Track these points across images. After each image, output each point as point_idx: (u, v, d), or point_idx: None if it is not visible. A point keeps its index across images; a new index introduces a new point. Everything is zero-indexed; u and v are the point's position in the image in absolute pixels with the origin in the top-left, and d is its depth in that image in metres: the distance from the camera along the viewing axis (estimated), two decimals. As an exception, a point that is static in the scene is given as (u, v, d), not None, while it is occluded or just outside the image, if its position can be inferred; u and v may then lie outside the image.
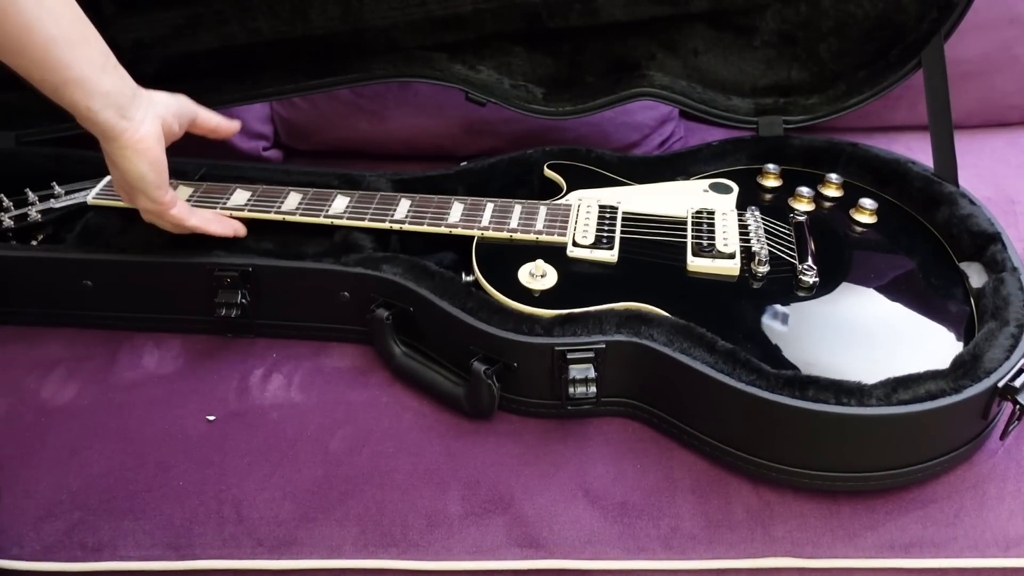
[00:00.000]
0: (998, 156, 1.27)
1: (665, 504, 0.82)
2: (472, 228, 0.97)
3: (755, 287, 0.90)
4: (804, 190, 1.02)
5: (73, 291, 0.98)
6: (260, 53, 1.12)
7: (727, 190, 1.04)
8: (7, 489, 0.85)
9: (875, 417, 0.75)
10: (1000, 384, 0.78)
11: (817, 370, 0.80)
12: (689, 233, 0.96)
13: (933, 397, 0.76)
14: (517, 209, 0.99)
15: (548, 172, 1.09)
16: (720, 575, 0.80)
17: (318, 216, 0.99)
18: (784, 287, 0.90)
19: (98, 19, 1.04)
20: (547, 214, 0.99)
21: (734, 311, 0.88)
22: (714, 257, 0.92)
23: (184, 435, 0.89)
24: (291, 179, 1.14)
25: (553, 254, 0.93)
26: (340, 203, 1.01)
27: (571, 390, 0.82)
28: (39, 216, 1.03)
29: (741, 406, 0.79)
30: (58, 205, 1.05)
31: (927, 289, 0.91)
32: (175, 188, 1.05)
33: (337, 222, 0.99)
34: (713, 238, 0.94)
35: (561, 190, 1.05)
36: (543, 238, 0.96)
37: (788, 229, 0.98)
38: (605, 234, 0.96)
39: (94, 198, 1.04)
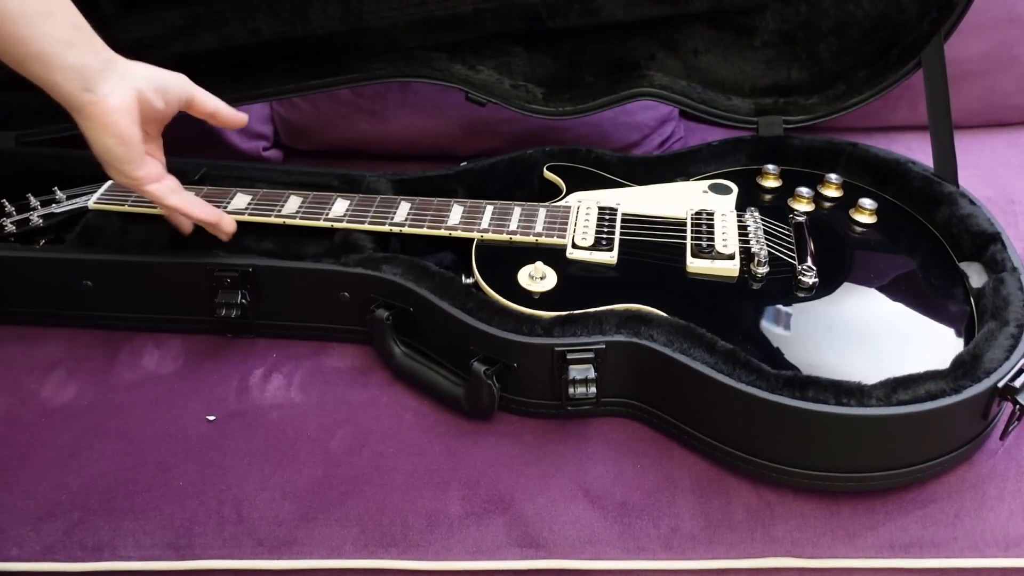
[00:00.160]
0: (998, 156, 1.27)
1: (665, 504, 0.82)
2: (472, 230, 0.97)
3: (755, 288, 0.90)
4: (804, 190, 1.02)
5: (73, 291, 0.98)
6: (260, 53, 1.12)
7: (726, 191, 1.04)
8: (7, 489, 0.85)
9: (875, 417, 0.75)
10: (1000, 384, 0.78)
11: (817, 370, 0.80)
12: (688, 234, 0.96)
13: (933, 397, 0.76)
14: (516, 211, 0.99)
15: (548, 174, 1.09)
16: (720, 575, 0.80)
17: (318, 219, 1.00)
18: (784, 288, 0.90)
19: (98, 19, 1.04)
20: (546, 216, 0.99)
21: (734, 312, 0.88)
22: (713, 258, 0.92)
23: (184, 435, 0.89)
24: (291, 179, 1.14)
25: (553, 256, 0.93)
26: (340, 206, 1.01)
27: (571, 390, 0.82)
28: (40, 221, 1.03)
29: (741, 406, 0.79)
30: (60, 210, 1.05)
31: (927, 289, 0.91)
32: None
33: (337, 225, 0.99)
34: (712, 239, 0.94)
35: (561, 192, 1.05)
36: (543, 240, 0.96)
37: (788, 230, 0.98)
38: (604, 236, 0.96)
39: (95, 203, 1.04)
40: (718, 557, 0.80)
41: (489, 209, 1.00)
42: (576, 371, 0.82)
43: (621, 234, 0.96)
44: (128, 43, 1.11)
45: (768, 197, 1.05)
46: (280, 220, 1.00)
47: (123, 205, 1.03)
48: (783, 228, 0.98)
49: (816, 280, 0.90)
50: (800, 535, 0.80)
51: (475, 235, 0.96)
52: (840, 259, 0.94)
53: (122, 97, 0.81)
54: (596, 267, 0.93)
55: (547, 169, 1.09)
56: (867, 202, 1.00)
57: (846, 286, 0.90)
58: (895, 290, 0.90)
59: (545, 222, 0.98)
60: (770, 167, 1.06)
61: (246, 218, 1.01)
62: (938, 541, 0.79)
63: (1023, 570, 0.79)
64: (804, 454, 0.80)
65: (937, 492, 0.82)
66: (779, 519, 0.81)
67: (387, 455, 0.87)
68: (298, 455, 0.87)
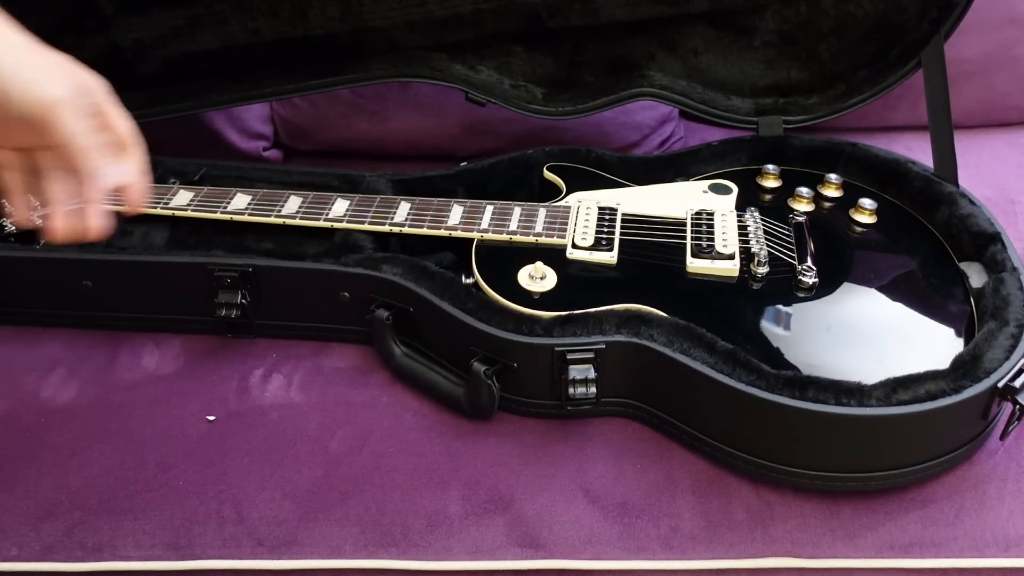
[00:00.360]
0: (998, 156, 1.27)
1: (665, 504, 0.82)
2: (472, 230, 0.97)
3: (755, 288, 0.90)
4: (804, 190, 1.02)
5: (73, 291, 0.98)
6: (260, 53, 1.12)
7: (726, 191, 1.04)
8: (7, 489, 0.85)
9: (875, 417, 0.75)
10: (1000, 384, 0.78)
11: (817, 370, 0.80)
12: (688, 234, 0.96)
13: (933, 397, 0.76)
14: (516, 211, 0.99)
15: (548, 174, 1.09)
16: (720, 575, 0.80)
17: (318, 220, 1.00)
18: (784, 288, 0.90)
19: (98, 19, 1.04)
20: (546, 216, 0.99)
21: (734, 312, 0.88)
22: (713, 258, 0.92)
23: (184, 435, 0.89)
24: (291, 179, 1.14)
25: (553, 256, 0.93)
26: (340, 206, 1.01)
27: (571, 390, 0.82)
28: (40, 221, 1.03)
29: (741, 406, 0.79)
30: None
31: (927, 289, 0.91)
32: (175, 191, 1.05)
33: (337, 225, 0.99)
34: (712, 239, 0.94)
35: (561, 192, 1.05)
36: (543, 240, 0.96)
37: (787, 230, 0.98)
38: (604, 236, 0.96)
39: None
40: (718, 557, 0.80)
41: (489, 209, 1.00)
42: (576, 371, 0.82)
43: (621, 234, 0.96)
44: (128, 43, 1.11)
45: (768, 197, 1.05)
46: (280, 220, 1.00)
47: (123, 205, 1.03)
48: (783, 228, 0.98)
49: (816, 280, 0.90)
50: (800, 535, 0.80)
51: (475, 235, 0.96)
52: (840, 259, 0.94)
53: None
54: (596, 267, 0.93)
55: (547, 169, 1.09)
56: (867, 202, 1.00)
57: (846, 286, 0.90)
58: (895, 290, 0.90)
59: (545, 222, 0.98)
60: (770, 167, 1.06)
61: (246, 218, 1.01)
62: (938, 541, 0.79)
63: (1023, 570, 0.79)
64: (804, 454, 0.80)
65: (937, 492, 0.82)
66: (779, 519, 0.81)
67: (387, 455, 0.87)
68: (298, 455, 0.87)
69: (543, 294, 0.89)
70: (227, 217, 1.01)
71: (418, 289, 0.91)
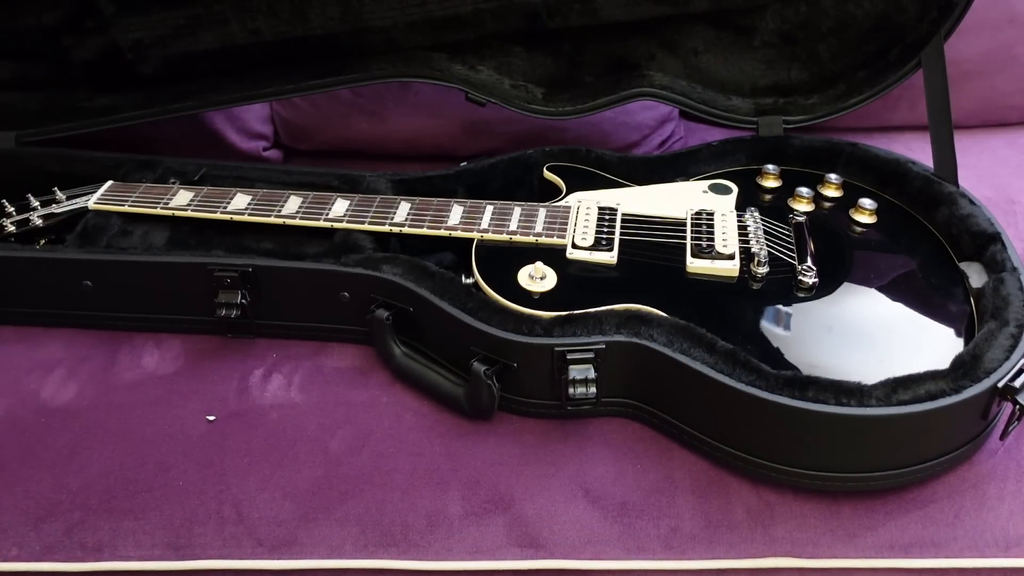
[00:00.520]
0: (998, 156, 1.27)
1: (665, 504, 0.82)
2: (472, 230, 0.97)
3: (754, 288, 0.90)
4: (803, 190, 1.02)
5: (73, 291, 0.98)
6: (260, 53, 1.12)
7: (726, 191, 1.04)
8: (7, 489, 0.85)
9: (875, 417, 0.75)
10: (1000, 384, 0.78)
11: (817, 370, 0.80)
12: (688, 234, 0.96)
13: (933, 397, 0.76)
14: (516, 211, 0.99)
15: (548, 174, 1.09)
16: (720, 575, 0.80)
17: (318, 220, 1.00)
18: (784, 288, 0.90)
19: (98, 19, 1.05)
20: (546, 216, 0.99)
21: (734, 312, 0.88)
22: (713, 258, 0.92)
23: (184, 435, 0.89)
24: (291, 179, 1.14)
25: (553, 256, 0.93)
26: (340, 206, 1.01)
27: (571, 390, 0.82)
28: (40, 221, 1.03)
29: (741, 406, 0.79)
30: (60, 210, 1.05)
31: (927, 289, 0.91)
32: (175, 191, 1.05)
33: (337, 225, 0.99)
34: (712, 239, 0.94)
35: (561, 192, 1.05)
36: (543, 240, 0.96)
37: (787, 230, 0.98)
38: (604, 236, 0.96)
39: (96, 203, 1.04)
40: (718, 557, 0.80)
41: (489, 209, 1.00)
42: (576, 371, 0.82)
43: (621, 234, 0.96)
44: (128, 43, 1.11)
45: (768, 197, 1.05)
46: (280, 220, 1.00)
47: (123, 205, 1.04)
48: (783, 228, 0.98)
49: (816, 280, 0.90)
50: (800, 535, 0.80)
51: (475, 235, 0.96)
52: (840, 259, 0.94)
53: None
54: (596, 267, 0.93)
55: (547, 169, 1.09)
56: (867, 202, 1.00)
57: (846, 286, 0.90)
58: (895, 290, 0.90)
59: (545, 222, 0.98)
60: (770, 167, 1.06)
61: (246, 218, 1.01)
62: (938, 541, 0.79)
63: (1023, 570, 0.79)
64: (804, 454, 0.80)
65: (937, 492, 0.82)
66: (779, 519, 0.81)
67: (387, 455, 0.87)
68: (298, 455, 0.87)
69: (543, 294, 0.89)
70: (227, 217, 1.01)
71: (418, 289, 0.91)
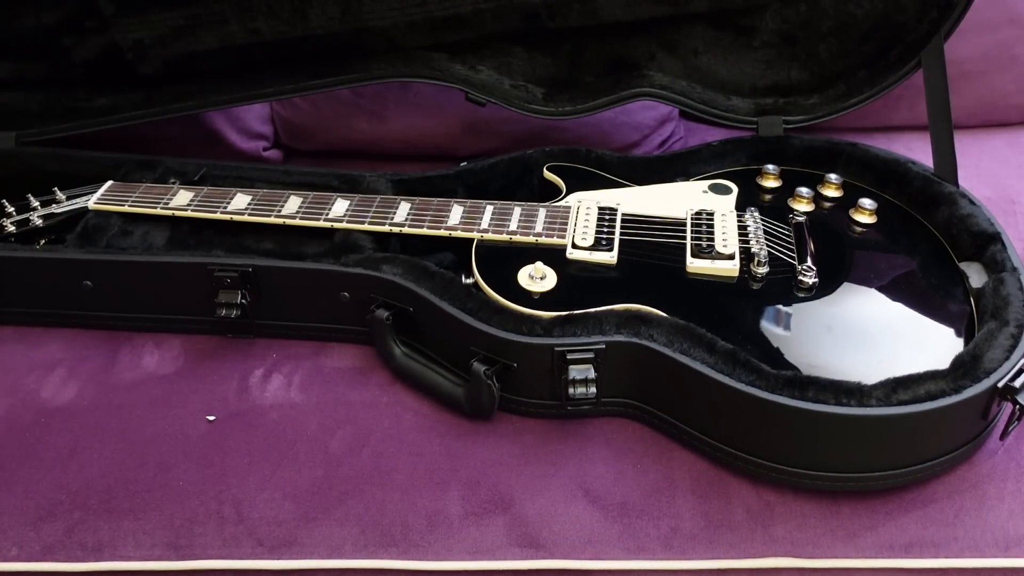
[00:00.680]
0: (998, 156, 1.27)
1: (665, 504, 0.82)
2: (472, 230, 0.97)
3: (754, 288, 0.90)
4: (803, 190, 1.02)
5: (73, 291, 0.98)
6: (260, 53, 1.12)
7: (726, 191, 1.04)
8: (7, 489, 0.85)
9: (875, 417, 0.75)
10: (1000, 384, 0.78)
11: (817, 370, 0.80)
12: (688, 234, 0.96)
13: (933, 397, 0.76)
14: (516, 211, 0.99)
15: (548, 174, 1.09)
16: (720, 575, 0.80)
17: (318, 220, 1.00)
18: (784, 288, 0.90)
19: (98, 19, 1.05)
20: (546, 216, 0.99)
21: (734, 312, 0.88)
22: (713, 258, 0.92)
23: (184, 435, 0.89)
24: (291, 179, 1.14)
25: (553, 256, 0.93)
26: (340, 206, 1.01)
27: (571, 390, 0.82)
28: (40, 221, 1.03)
29: (741, 406, 0.79)
30: (60, 210, 1.05)
31: (927, 289, 0.91)
32: (175, 191, 1.05)
33: (337, 225, 0.99)
34: (712, 239, 0.94)
35: (561, 192, 1.05)
36: (543, 240, 0.96)
37: (787, 230, 0.98)
38: (604, 236, 0.96)
39: (96, 203, 1.04)
40: (718, 557, 0.80)
41: (489, 209, 1.00)
42: (576, 371, 0.82)
43: (621, 234, 0.96)
44: (128, 43, 1.11)
45: (768, 197, 1.05)
46: (280, 220, 1.00)
47: (123, 205, 1.04)
48: (783, 228, 0.98)
49: (816, 280, 0.90)
50: (800, 535, 0.80)
51: (475, 235, 0.96)
52: (840, 259, 0.94)
53: None
54: (596, 267, 0.93)
55: (547, 169, 1.09)
56: (867, 202, 1.00)
57: (846, 286, 0.90)
58: (895, 290, 0.90)
59: (545, 222, 0.98)
60: (770, 167, 1.06)
61: (246, 218, 1.01)
62: (938, 541, 0.79)
63: (1023, 570, 0.79)
64: (804, 454, 0.80)
65: (937, 492, 0.82)
66: (779, 519, 0.81)
67: (387, 455, 0.87)
68: (298, 455, 0.87)
69: (543, 294, 0.89)
70: (227, 217, 1.01)
71: (418, 289, 0.91)
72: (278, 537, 0.82)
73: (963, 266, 0.94)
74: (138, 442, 0.89)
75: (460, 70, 1.14)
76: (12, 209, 1.04)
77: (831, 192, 1.04)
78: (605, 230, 0.97)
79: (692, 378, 0.81)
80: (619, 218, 0.99)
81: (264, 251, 1.00)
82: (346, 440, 0.88)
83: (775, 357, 0.82)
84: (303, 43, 1.11)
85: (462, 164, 1.14)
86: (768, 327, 0.86)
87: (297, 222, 1.00)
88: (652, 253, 0.95)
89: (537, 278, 0.90)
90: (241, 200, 1.03)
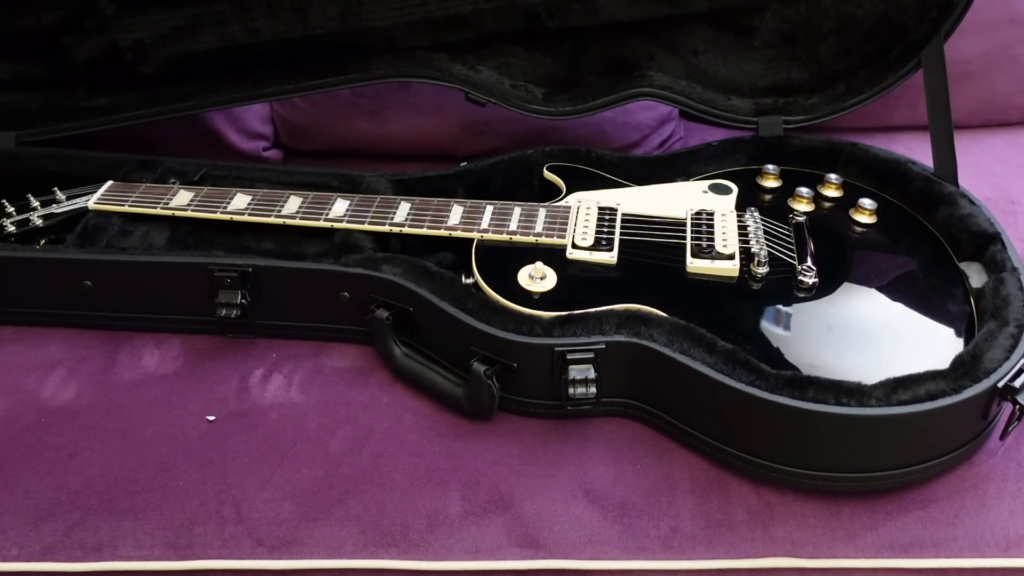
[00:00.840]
0: (998, 156, 1.27)
1: (665, 504, 0.82)
2: (472, 230, 0.97)
3: (754, 288, 0.90)
4: (803, 190, 1.02)
5: (73, 291, 0.98)
6: (260, 53, 1.12)
7: (726, 191, 1.04)
8: (7, 489, 0.85)
9: (875, 417, 0.75)
10: (1000, 384, 0.78)
11: (817, 370, 0.80)
12: (688, 234, 0.96)
13: (933, 397, 0.76)
14: (516, 211, 0.99)
15: (548, 174, 1.09)
16: (720, 575, 0.80)
17: (318, 220, 1.00)
18: (784, 288, 0.90)
19: (98, 19, 1.04)
20: (546, 216, 0.99)
21: (734, 312, 0.88)
22: (713, 258, 0.92)
23: (184, 435, 0.89)
24: (291, 179, 1.14)
25: (553, 256, 0.93)
26: (340, 206, 1.01)
27: (571, 390, 0.82)
28: (40, 221, 1.03)
29: (741, 406, 0.79)
30: (60, 210, 1.05)
31: (927, 289, 0.91)
32: (175, 191, 1.05)
33: (337, 225, 0.99)
34: (712, 239, 0.94)
35: (561, 192, 1.05)
36: (543, 240, 0.96)
37: (787, 230, 0.98)
38: (604, 236, 0.96)
39: (96, 203, 1.04)
40: (718, 557, 0.80)
41: (489, 209, 1.00)
42: (576, 371, 0.82)
43: (621, 234, 0.96)
44: (128, 43, 1.11)
45: (768, 197, 1.05)
46: (280, 220, 1.00)
47: (123, 205, 1.04)
48: (783, 228, 0.98)
49: (816, 280, 0.90)
50: (800, 535, 0.80)
51: (475, 235, 0.96)
52: (840, 259, 0.94)
53: None
54: (596, 267, 0.93)
55: (547, 169, 1.09)
56: (867, 202, 1.00)
57: (846, 286, 0.90)
58: (895, 290, 0.90)
59: (545, 222, 0.98)
60: (770, 167, 1.06)
61: (246, 218, 1.01)
62: (938, 541, 0.79)
63: (1023, 570, 0.79)
64: (804, 454, 0.80)
65: (937, 492, 0.82)
66: (779, 519, 0.81)
67: (387, 455, 0.87)
68: (298, 455, 0.87)
69: (543, 294, 0.89)
70: (227, 217, 1.01)
71: (418, 289, 0.91)
72: (278, 537, 0.82)
73: (963, 266, 0.94)
74: (138, 442, 0.89)
75: (460, 70, 1.14)
76: (12, 209, 1.04)
77: (831, 192, 1.04)
78: (605, 230, 0.97)
79: (692, 378, 0.81)
80: (619, 218, 0.99)
81: (264, 251, 1.00)
82: (346, 440, 0.88)
83: (775, 357, 0.82)
84: (303, 43, 1.11)
85: (462, 164, 1.14)
86: (768, 327, 0.86)
87: (297, 222, 1.00)
88: (652, 253, 0.95)
89: (537, 278, 0.90)
90: (241, 200, 1.03)
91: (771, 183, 1.06)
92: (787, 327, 0.86)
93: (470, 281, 0.92)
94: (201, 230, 1.04)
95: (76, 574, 0.81)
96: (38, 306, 1.01)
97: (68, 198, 1.06)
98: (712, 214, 0.98)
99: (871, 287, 0.90)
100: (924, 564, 0.79)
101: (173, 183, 1.09)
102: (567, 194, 1.05)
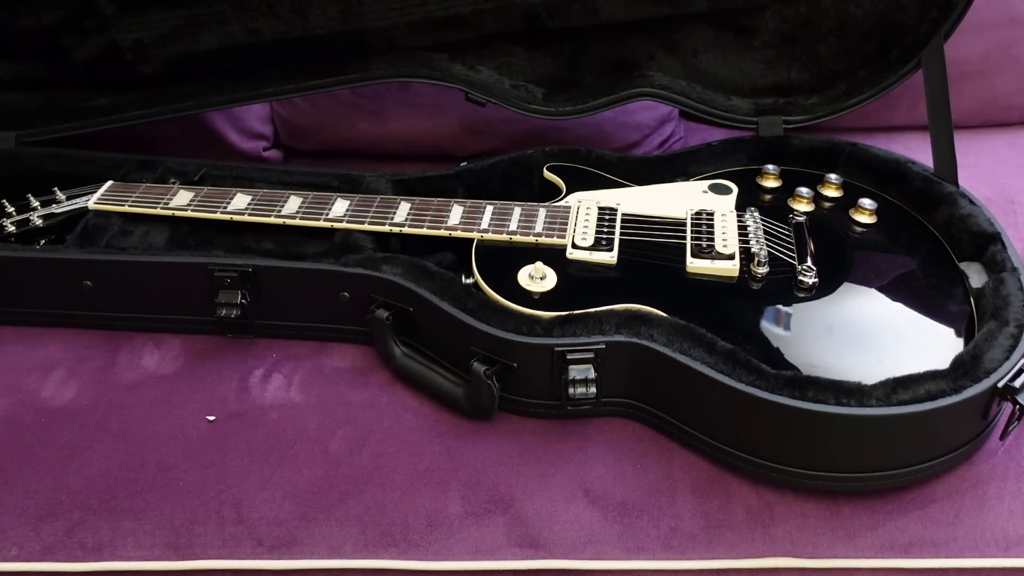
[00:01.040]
0: (998, 156, 1.27)
1: (665, 504, 0.82)
2: (472, 230, 0.97)
3: (754, 288, 0.90)
4: (803, 190, 1.02)
5: (73, 291, 0.98)
6: (260, 53, 1.12)
7: (726, 191, 1.04)
8: (7, 489, 0.85)
9: (875, 417, 0.75)
10: (1000, 384, 0.78)
11: (817, 370, 0.80)
12: (688, 234, 0.96)
13: (933, 397, 0.76)
14: (516, 211, 0.99)
15: (548, 174, 1.09)
16: (720, 575, 0.80)
17: (318, 220, 1.00)
18: (784, 288, 0.90)
19: (98, 19, 1.05)
20: (546, 216, 0.99)
21: (734, 312, 0.88)
22: (713, 258, 0.92)
23: (184, 435, 0.89)
24: (291, 179, 1.14)
25: (553, 256, 0.93)
26: (340, 206, 1.01)
27: (571, 390, 0.82)
28: (40, 221, 1.03)
29: (741, 406, 0.79)
30: (60, 210, 1.05)
31: (927, 289, 0.91)
32: (175, 191, 1.05)
33: (337, 225, 0.99)
34: (712, 239, 0.94)
35: (561, 192, 1.05)
36: (543, 240, 0.96)
37: (787, 230, 0.98)
38: (604, 236, 0.96)
39: (96, 203, 1.04)
40: (718, 557, 0.80)
41: (489, 209, 1.00)
42: (576, 371, 0.82)
43: (621, 234, 0.96)
44: (128, 43, 1.11)
45: (768, 197, 1.05)
46: (280, 220, 1.00)
47: (123, 205, 1.04)
48: (783, 228, 0.98)
49: (816, 280, 0.90)
50: (800, 535, 0.80)
51: (475, 235, 0.96)
52: (840, 259, 0.94)
53: None
54: (596, 267, 0.93)
55: (547, 169, 1.09)
56: (867, 202, 1.00)
57: (846, 286, 0.90)
58: (895, 290, 0.90)
59: (545, 222, 0.98)
60: (770, 167, 1.06)
61: (246, 218, 1.01)
62: (938, 541, 0.79)
63: (1023, 570, 0.79)
64: (804, 454, 0.80)
65: (937, 492, 0.82)
66: (779, 519, 0.81)
67: (387, 455, 0.87)
68: (298, 455, 0.87)
69: (543, 294, 0.89)
70: (227, 217, 1.01)
71: (418, 289, 0.91)
72: (278, 537, 0.82)
73: (963, 266, 0.94)
74: (138, 442, 0.89)
75: (460, 70, 1.14)
76: (12, 209, 1.04)
77: (831, 192, 1.04)
78: (605, 230, 0.97)
79: (692, 378, 0.81)
80: (619, 218, 0.99)
81: (264, 251, 1.00)
82: (346, 440, 0.88)
83: (775, 357, 0.82)
84: (303, 43, 1.11)
85: (462, 164, 1.14)
86: (768, 327, 0.86)
87: (297, 222, 1.00)
88: (652, 253, 0.95)
89: (537, 278, 0.90)
90: (241, 200, 1.03)
91: (771, 183, 1.06)
92: (787, 327, 0.86)
93: (470, 281, 0.92)
94: (201, 230, 1.04)
95: (76, 574, 0.81)
96: (38, 306, 1.01)
97: (68, 198, 1.06)
98: (712, 214, 0.99)
99: (871, 287, 0.90)
100: (924, 564, 0.79)
101: (173, 183, 1.09)
102: (567, 194, 1.05)
